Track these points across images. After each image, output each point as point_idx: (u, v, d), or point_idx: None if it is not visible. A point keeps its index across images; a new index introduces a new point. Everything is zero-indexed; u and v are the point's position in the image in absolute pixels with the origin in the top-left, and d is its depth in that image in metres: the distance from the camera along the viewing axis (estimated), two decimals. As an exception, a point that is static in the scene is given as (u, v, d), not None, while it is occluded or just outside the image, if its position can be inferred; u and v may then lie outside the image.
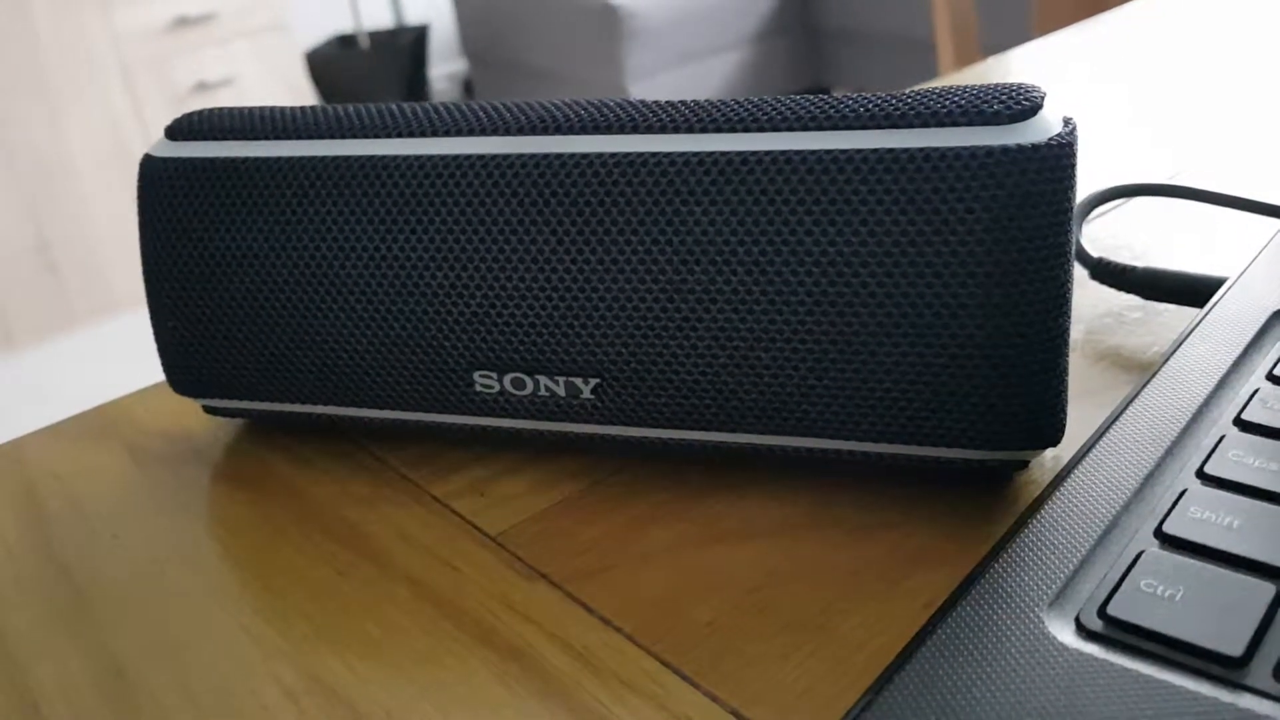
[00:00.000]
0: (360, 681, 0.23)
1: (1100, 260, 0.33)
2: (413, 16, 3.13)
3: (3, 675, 0.25)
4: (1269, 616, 0.18)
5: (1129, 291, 0.32)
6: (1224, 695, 0.17)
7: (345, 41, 2.94)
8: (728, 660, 0.22)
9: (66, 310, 2.23)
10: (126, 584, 0.27)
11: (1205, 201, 0.35)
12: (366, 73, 2.84)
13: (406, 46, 2.88)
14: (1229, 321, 0.27)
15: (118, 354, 2.14)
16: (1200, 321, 0.27)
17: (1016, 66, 0.58)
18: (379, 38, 2.93)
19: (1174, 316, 0.32)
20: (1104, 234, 0.38)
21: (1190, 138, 0.45)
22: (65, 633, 0.26)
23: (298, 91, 2.50)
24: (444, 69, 3.25)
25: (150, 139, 2.29)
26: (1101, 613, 0.19)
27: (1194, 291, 0.31)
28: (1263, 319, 0.27)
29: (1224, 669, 0.18)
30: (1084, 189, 0.42)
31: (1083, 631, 0.19)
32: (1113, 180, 0.42)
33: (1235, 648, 0.18)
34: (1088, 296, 0.34)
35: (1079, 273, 0.35)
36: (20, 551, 0.29)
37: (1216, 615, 0.19)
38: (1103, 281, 0.33)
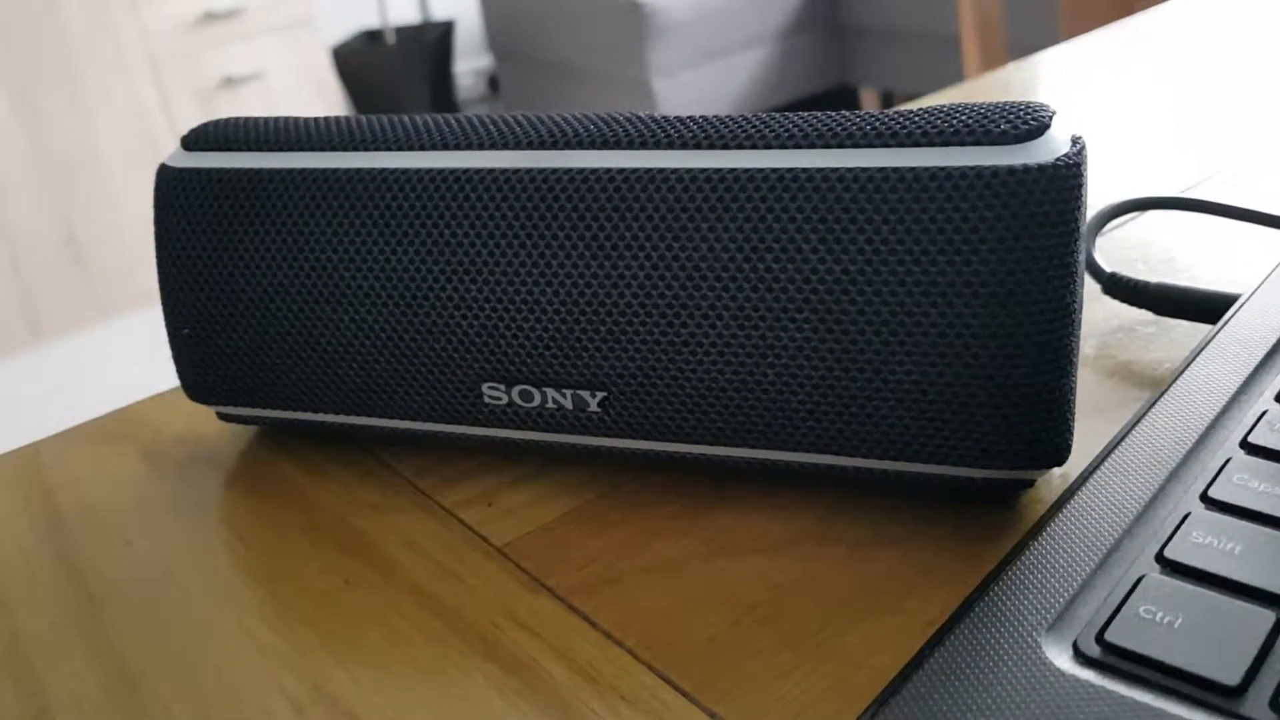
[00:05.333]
0: (363, 691, 0.23)
1: (1113, 275, 0.32)
2: (439, 12, 3.14)
3: (15, 678, 0.25)
4: (1268, 645, 0.18)
5: (1142, 307, 0.32)
6: (1219, 725, 0.17)
7: (372, 37, 2.95)
8: (727, 677, 0.23)
9: (94, 303, 2.25)
10: (138, 589, 0.27)
11: (1222, 215, 0.35)
12: (392, 68, 2.85)
13: (432, 42, 2.89)
14: (1239, 340, 0.27)
15: (144, 347, 2.16)
16: (1210, 340, 0.27)
17: (1041, 71, 0.57)
18: (405, 33, 2.94)
19: (1187, 332, 0.32)
20: (1119, 246, 0.38)
21: (1216, 146, 0.45)
22: (77, 636, 0.26)
23: (324, 87, 2.52)
24: (470, 65, 3.26)
25: (178, 133, 2.31)
26: (1099, 638, 0.19)
27: (1207, 308, 0.31)
28: (1274, 338, 0.26)
29: (1220, 698, 0.18)
30: (1105, 198, 0.42)
31: (1080, 657, 0.19)
32: (1136, 189, 0.42)
33: (1232, 676, 0.18)
34: (1100, 311, 0.34)
35: (1092, 286, 0.35)
36: (35, 555, 0.29)
37: (1215, 643, 0.19)
38: (1115, 296, 0.32)
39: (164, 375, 1.89)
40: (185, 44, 2.31)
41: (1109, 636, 0.19)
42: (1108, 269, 0.33)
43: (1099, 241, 0.38)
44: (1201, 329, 0.32)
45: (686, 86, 2.52)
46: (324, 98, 2.52)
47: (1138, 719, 0.18)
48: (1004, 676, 0.19)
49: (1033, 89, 0.55)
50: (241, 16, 2.37)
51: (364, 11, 3.01)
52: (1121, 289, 0.32)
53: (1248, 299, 0.29)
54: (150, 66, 2.27)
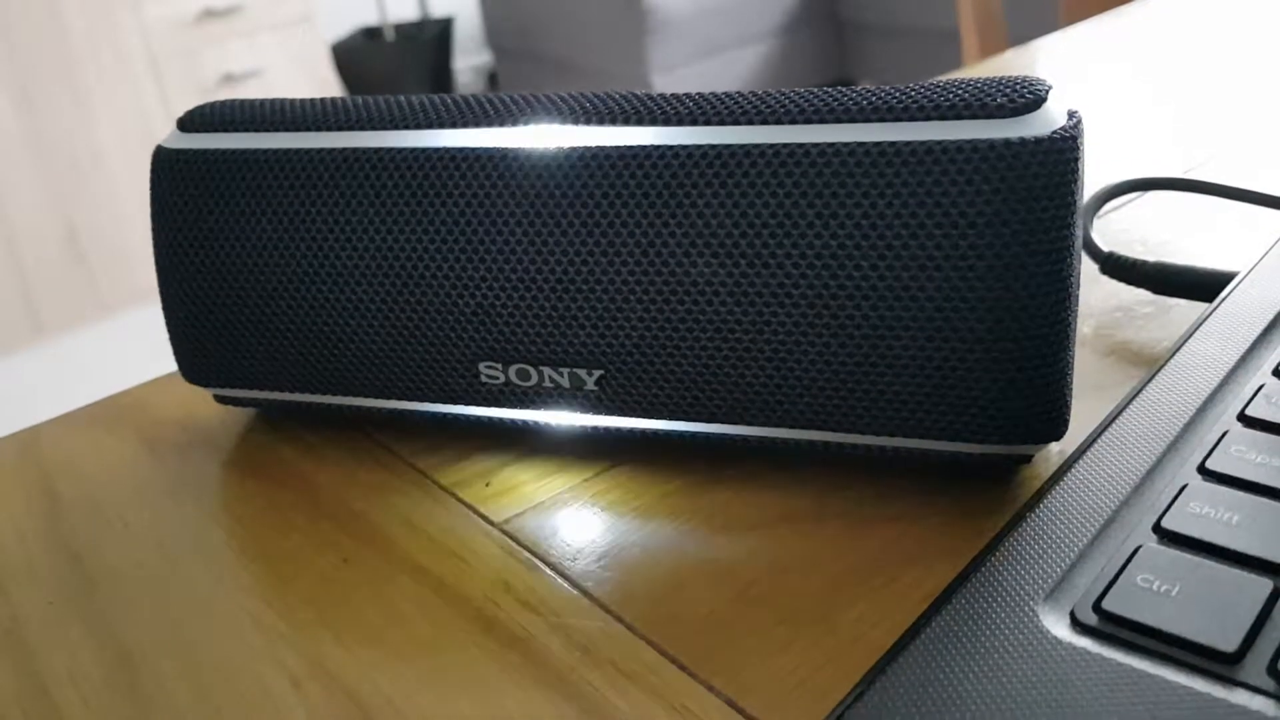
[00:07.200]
0: (362, 668, 0.23)
1: (1110, 254, 0.32)
2: (438, 9, 3.14)
3: (14, 659, 0.25)
4: (1265, 612, 0.18)
5: (1139, 286, 0.32)
6: (1217, 691, 0.17)
7: (371, 34, 2.95)
8: (726, 651, 0.23)
9: (95, 299, 2.25)
10: (136, 570, 0.27)
11: (1219, 196, 0.35)
12: (392, 65, 2.85)
13: (431, 39, 2.88)
14: (1237, 316, 0.27)
15: (145, 343, 2.15)
16: (1208, 316, 0.27)
17: (1039, 58, 0.57)
18: (404, 30, 2.94)
19: (1185, 311, 0.32)
20: (1117, 228, 0.38)
21: (1214, 130, 0.45)
22: (75, 617, 0.26)
23: (324, 83, 2.52)
24: (469, 61, 3.26)
25: (177, 129, 2.30)
26: (1096, 607, 0.19)
27: (1204, 286, 0.31)
28: (1271, 314, 0.26)
29: (1218, 664, 0.18)
30: (1104, 181, 0.42)
31: (1077, 626, 0.19)
32: (1134, 172, 0.42)
33: (1230, 643, 0.18)
34: (1099, 291, 0.34)
35: (1090, 267, 0.35)
36: (33, 538, 0.29)
37: (1212, 611, 0.19)
38: (1113, 276, 0.32)
39: (166, 371, 1.89)
40: (185, 41, 2.31)
41: (1106, 605, 0.19)
42: (1105, 249, 0.33)
43: (1097, 223, 0.38)
44: (1199, 308, 0.32)
45: (686, 82, 2.51)
46: (323, 95, 2.52)
47: (1135, 686, 0.18)
48: (1001, 645, 0.19)
49: (1031, 74, 0.54)
50: (241, 14, 2.37)
51: (363, 8, 3.00)
52: (1119, 268, 0.32)
53: (1245, 276, 0.29)
54: (151, 64, 2.27)
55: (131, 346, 2.16)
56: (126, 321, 2.26)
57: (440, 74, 2.93)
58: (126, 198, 2.26)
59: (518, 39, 2.84)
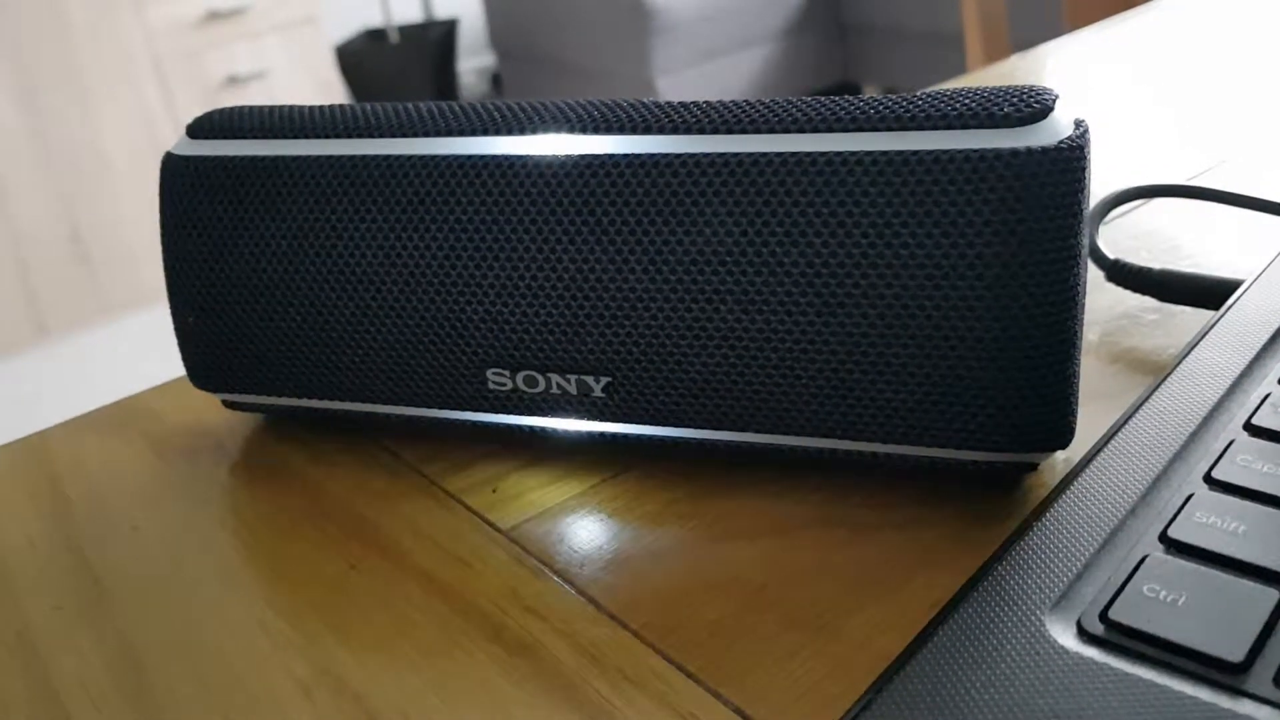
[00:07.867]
0: (369, 675, 0.23)
1: (1116, 262, 0.32)
2: (442, 11, 3.14)
3: (23, 663, 0.25)
4: (1271, 622, 0.18)
5: (1145, 293, 0.32)
6: (1223, 701, 0.17)
7: (375, 35, 2.95)
8: (733, 658, 0.23)
9: (99, 301, 2.25)
10: (144, 575, 0.27)
11: (1226, 203, 0.35)
12: (396, 67, 2.86)
13: (435, 40, 2.89)
14: (1243, 325, 0.27)
15: (149, 345, 2.16)
16: (1214, 325, 0.27)
17: (1045, 63, 0.57)
18: (408, 32, 2.94)
19: (1190, 319, 0.32)
20: (1123, 235, 0.38)
21: (1220, 137, 0.45)
22: (84, 622, 0.26)
23: (328, 85, 2.52)
24: (472, 63, 3.26)
25: (182, 132, 2.31)
26: (1103, 617, 0.19)
27: (1210, 294, 0.31)
28: (1277, 322, 0.27)
29: (1224, 674, 0.18)
30: (1109, 188, 0.42)
31: (1084, 635, 0.19)
32: (1139, 179, 0.42)
33: (1236, 653, 0.18)
34: (1104, 298, 0.34)
35: (1095, 274, 0.35)
36: (42, 542, 0.29)
37: (1218, 620, 0.19)
38: (1119, 283, 0.32)
39: (170, 373, 1.89)
40: (189, 43, 2.31)
41: (1113, 614, 0.19)
42: (1111, 256, 0.33)
43: (1103, 229, 0.38)
44: (1205, 315, 0.32)
45: (690, 85, 2.52)
46: (327, 96, 2.52)
47: (1141, 695, 0.18)
48: (1008, 654, 0.19)
49: (1036, 80, 0.54)
50: (245, 15, 2.37)
51: (367, 10, 3.01)
52: (1125, 276, 0.32)
53: (1251, 284, 0.29)
54: (154, 66, 2.27)
55: (135, 349, 2.16)
56: (130, 323, 2.27)
57: (444, 76, 2.93)
58: (130, 199, 2.26)
59: (521, 41, 2.84)
